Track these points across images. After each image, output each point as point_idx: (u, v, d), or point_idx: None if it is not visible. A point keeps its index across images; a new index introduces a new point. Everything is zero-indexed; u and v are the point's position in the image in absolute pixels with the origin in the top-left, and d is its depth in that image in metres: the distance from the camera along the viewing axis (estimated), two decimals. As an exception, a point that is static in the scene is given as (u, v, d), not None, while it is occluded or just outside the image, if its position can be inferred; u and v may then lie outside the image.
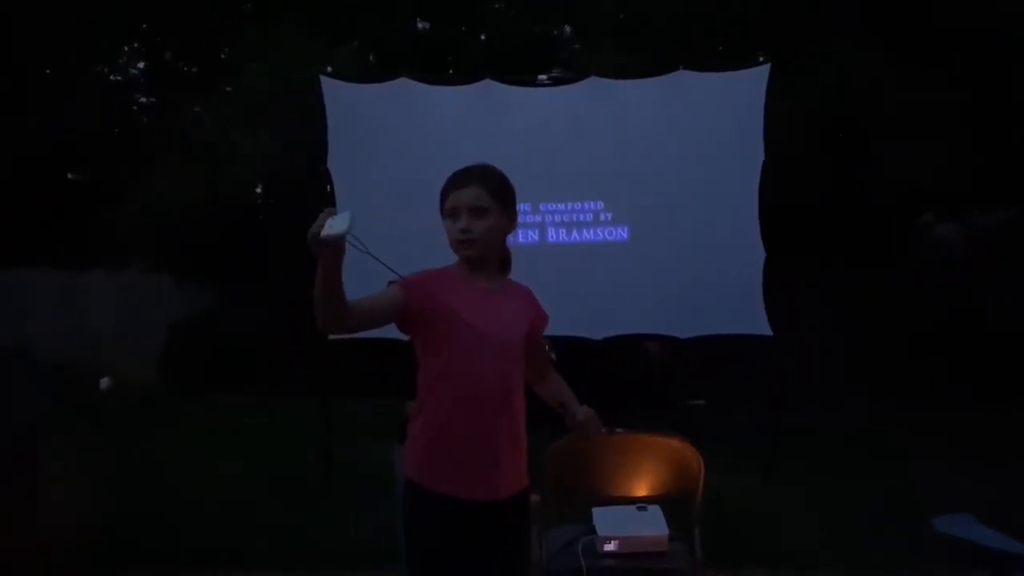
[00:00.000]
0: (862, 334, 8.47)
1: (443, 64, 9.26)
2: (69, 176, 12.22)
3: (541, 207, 5.83)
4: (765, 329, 5.59)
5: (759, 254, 5.63)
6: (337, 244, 1.81)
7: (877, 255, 8.65)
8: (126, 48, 12.30)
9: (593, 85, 5.95)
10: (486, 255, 2.27)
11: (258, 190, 10.75)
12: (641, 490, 3.13)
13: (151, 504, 5.12)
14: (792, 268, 6.84)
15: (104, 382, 9.64)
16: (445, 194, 2.27)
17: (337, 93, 5.86)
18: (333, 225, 1.79)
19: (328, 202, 5.93)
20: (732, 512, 4.73)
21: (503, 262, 2.37)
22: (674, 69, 5.83)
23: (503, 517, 2.20)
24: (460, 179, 2.26)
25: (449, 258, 2.32)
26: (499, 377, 2.19)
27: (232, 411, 8.23)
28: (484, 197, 2.23)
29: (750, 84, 5.74)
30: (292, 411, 7.27)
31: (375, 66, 9.06)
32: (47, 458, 4.87)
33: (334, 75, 6.23)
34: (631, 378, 6.91)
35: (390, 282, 2.16)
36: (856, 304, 8.54)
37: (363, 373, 6.61)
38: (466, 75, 5.96)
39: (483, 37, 10.02)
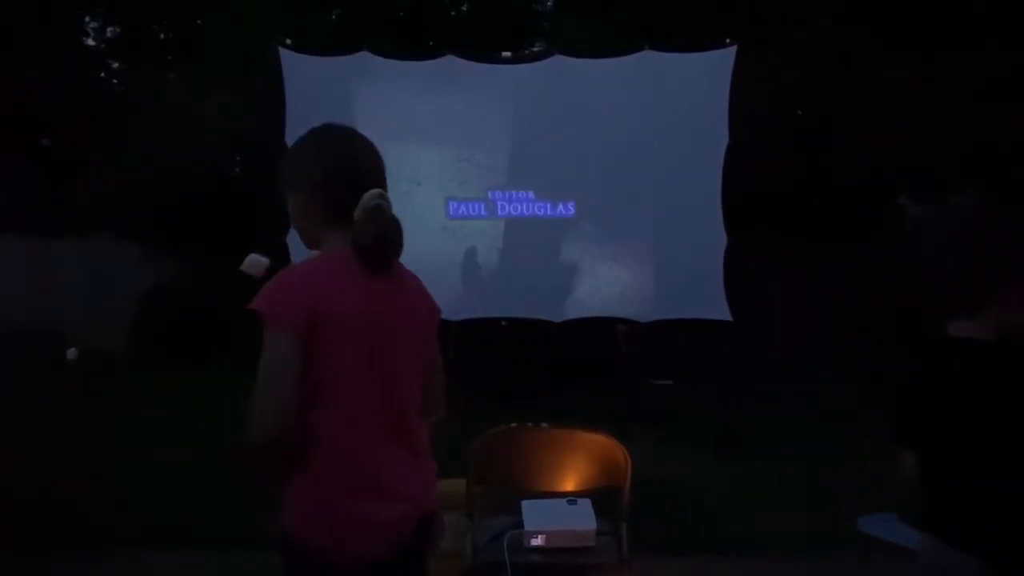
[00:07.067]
0: (830, 316, 8.44)
1: (409, 38, 9.07)
2: (40, 142, 12.02)
3: (497, 184, 5.71)
4: (725, 314, 5.54)
5: (721, 239, 5.57)
6: None
7: (845, 237, 8.59)
8: (96, 12, 12.05)
9: (557, 63, 5.84)
10: None
11: (231, 158, 10.58)
12: (570, 484, 3.09)
13: (117, 475, 4.99)
14: (757, 251, 6.77)
15: (71, 352, 9.54)
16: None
17: (296, 65, 5.74)
18: None
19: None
20: (691, 492, 4.73)
21: None
22: (640, 48, 5.73)
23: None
24: None
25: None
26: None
27: (201, 381, 8.15)
28: None
29: (716, 66, 5.62)
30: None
31: (340, 38, 8.89)
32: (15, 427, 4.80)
33: (294, 47, 6.07)
34: (592, 361, 6.84)
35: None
36: (824, 286, 8.49)
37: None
38: (429, 49, 5.82)
39: (452, 13, 9.82)
